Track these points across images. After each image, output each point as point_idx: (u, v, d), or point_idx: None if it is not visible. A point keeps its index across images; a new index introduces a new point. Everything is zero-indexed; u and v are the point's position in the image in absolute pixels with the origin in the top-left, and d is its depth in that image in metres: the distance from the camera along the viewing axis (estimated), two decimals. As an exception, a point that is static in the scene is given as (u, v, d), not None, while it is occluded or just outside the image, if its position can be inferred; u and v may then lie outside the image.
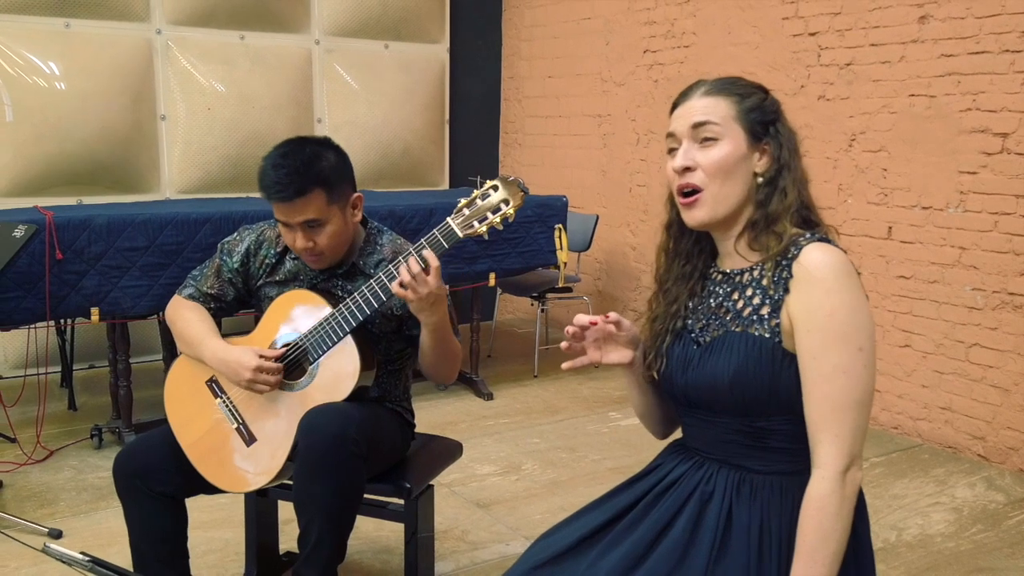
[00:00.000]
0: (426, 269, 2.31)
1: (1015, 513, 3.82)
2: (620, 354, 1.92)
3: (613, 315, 1.88)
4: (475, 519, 3.72)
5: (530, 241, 5.35)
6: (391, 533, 3.47)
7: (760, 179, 1.79)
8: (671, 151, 1.83)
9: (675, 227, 1.93)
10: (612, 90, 6.46)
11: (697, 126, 1.77)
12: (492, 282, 5.31)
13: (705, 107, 1.78)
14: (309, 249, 2.52)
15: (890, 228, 4.64)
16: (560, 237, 5.41)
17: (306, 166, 2.46)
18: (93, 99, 5.51)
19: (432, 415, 4.83)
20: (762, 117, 1.79)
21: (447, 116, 7.20)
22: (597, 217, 6.18)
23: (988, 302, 4.27)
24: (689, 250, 1.94)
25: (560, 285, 5.65)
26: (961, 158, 4.33)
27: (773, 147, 1.79)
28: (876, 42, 4.67)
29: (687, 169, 1.78)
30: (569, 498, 3.92)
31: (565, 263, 5.49)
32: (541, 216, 5.36)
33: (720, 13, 5.56)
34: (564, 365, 1.90)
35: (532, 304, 6.30)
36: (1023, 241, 4.13)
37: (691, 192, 1.78)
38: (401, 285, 2.31)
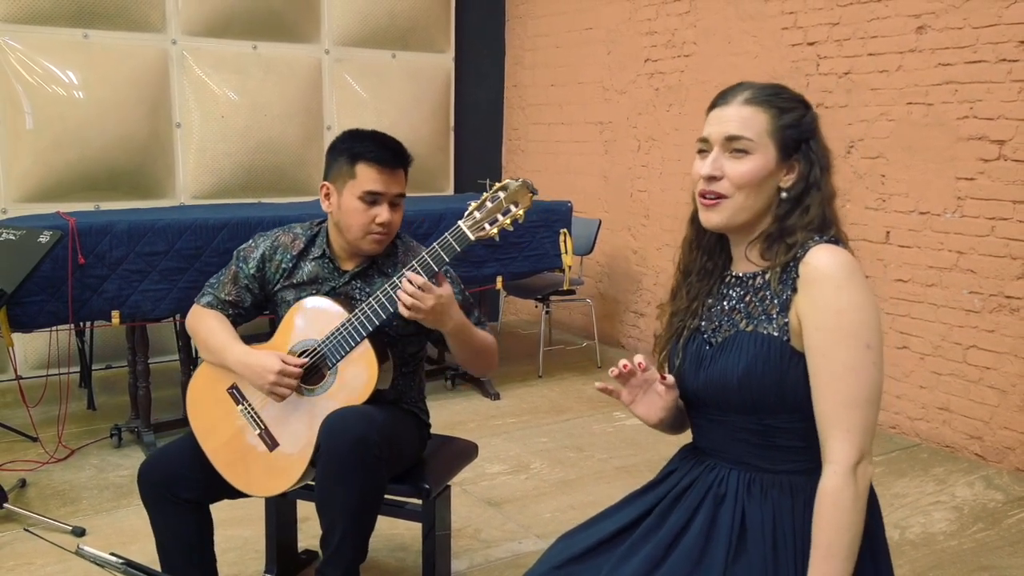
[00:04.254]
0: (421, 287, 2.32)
1: (1015, 512, 3.78)
2: (647, 410, 1.86)
3: (670, 379, 1.81)
4: (487, 517, 3.69)
5: (536, 245, 5.31)
6: (406, 531, 3.43)
7: (784, 194, 1.76)
8: (701, 152, 1.79)
9: (699, 222, 1.87)
10: (614, 98, 6.43)
11: (730, 139, 1.73)
12: (499, 285, 5.28)
13: (742, 119, 1.74)
14: (388, 224, 2.52)
15: (888, 232, 4.61)
16: (565, 241, 5.38)
17: (404, 147, 2.58)
18: (111, 107, 5.47)
19: (441, 415, 4.80)
20: (797, 135, 1.76)
21: (452, 123, 7.16)
22: (600, 221, 6.14)
23: (985, 305, 4.24)
24: (712, 247, 1.90)
25: (565, 288, 5.62)
26: (959, 164, 4.30)
27: (803, 165, 1.76)
28: (874, 51, 4.64)
29: (713, 177, 1.74)
30: (578, 496, 3.89)
31: (570, 266, 5.46)
32: (547, 221, 5.33)
33: (720, 23, 5.53)
34: (597, 385, 1.84)
35: (536, 306, 6.25)
36: (1020, 246, 4.10)
37: (713, 196, 1.75)
38: (407, 307, 2.33)
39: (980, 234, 4.24)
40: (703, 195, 1.77)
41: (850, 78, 4.75)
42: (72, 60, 5.39)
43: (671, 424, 1.92)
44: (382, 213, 2.50)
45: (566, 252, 5.38)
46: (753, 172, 1.73)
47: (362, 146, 2.50)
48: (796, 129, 1.75)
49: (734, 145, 1.73)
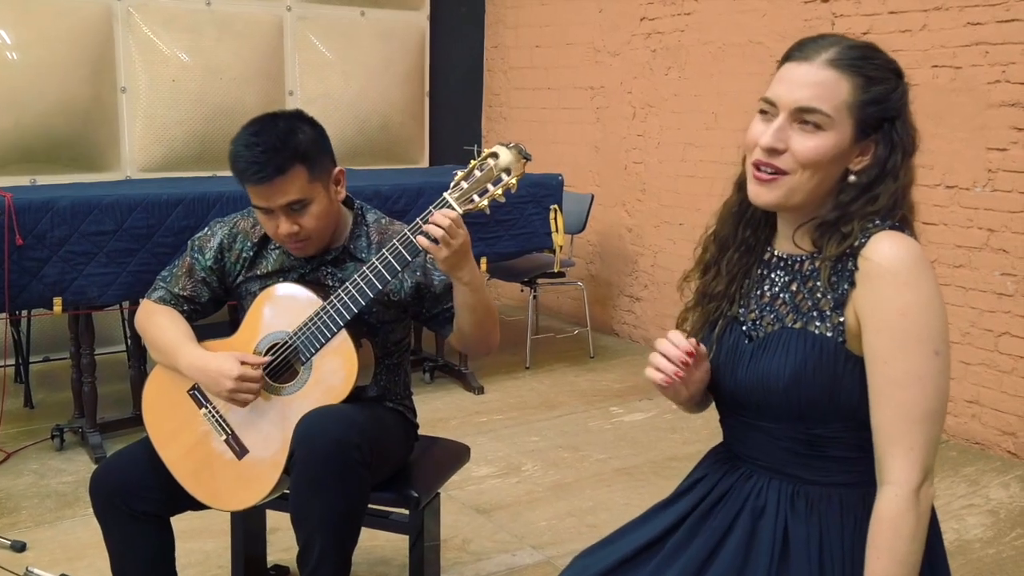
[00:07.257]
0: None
1: (1054, 515, 3.77)
2: (676, 390, 1.74)
3: (701, 348, 1.71)
4: (476, 526, 3.63)
5: (524, 223, 5.24)
6: (387, 543, 3.36)
7: (853, 178, 1.65)
8: (764, 113, 1.67)
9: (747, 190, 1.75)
10: (606, 60, 6.36)
11: (801, 110, 1.61)
12: (483, 267, 5.20)
13: (820, 86, 1.61)
14: (294, 235, 2.41)
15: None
16: (555, 219, 5.31)
17: (282, 142, 2.36)
18: (49, 70, 5.35)
19: (420, 412, 4.68)
20: (880, 113, 1.64)
21: (427, 88, 7.10)
22: (592, 197, 6.07)
23: (1019, 288, 4.21)
24: (758, 219, 1.79)
25: (555, 270, 5.55)
26: (989, 134, 4.26)
27: (881, 148, 1.65)
28: (895, 9, 4.59)
29: (774, 149, 1.63)
30: (576, 502, 3.84)
31: (560, 246, 5.40)
32: (535, 196, 5.26)
33: (725, -22, 5.47)
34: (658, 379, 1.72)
35: (522, 290, 6.20)
36: (1057, 223, 4.07)
37: (771, 170, 1.65)
38: (435, 242, 2.22)
39: (1013, 210, 4.20)
40: (758, 166, 1.66)
41: (869, 38, 4.68)
42: (5, 18, 5.26)
43: (699, 402, 1.85)
44: (281, 225, 2.40)
45: (556, 231, 5.31)
46: (823, 151, 1.61)
47: (234, 160, 2.39)
48: (880, 106, 1.63)
49: (805, 117, 1.61)
